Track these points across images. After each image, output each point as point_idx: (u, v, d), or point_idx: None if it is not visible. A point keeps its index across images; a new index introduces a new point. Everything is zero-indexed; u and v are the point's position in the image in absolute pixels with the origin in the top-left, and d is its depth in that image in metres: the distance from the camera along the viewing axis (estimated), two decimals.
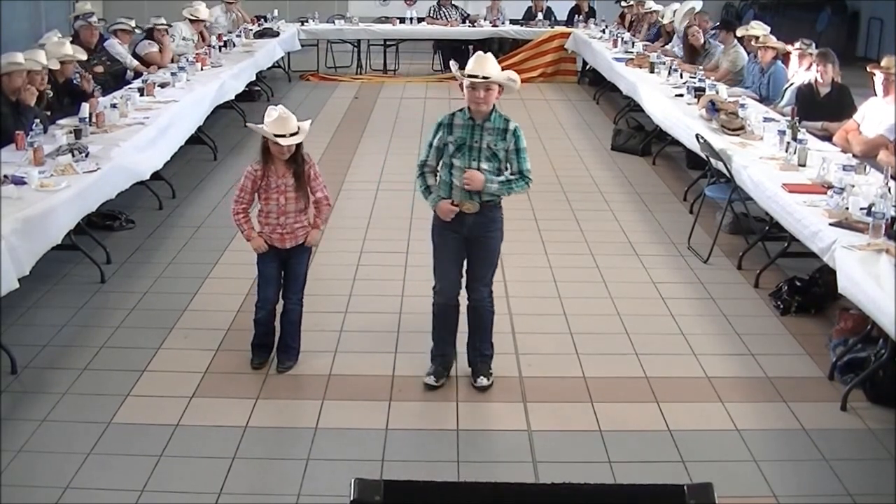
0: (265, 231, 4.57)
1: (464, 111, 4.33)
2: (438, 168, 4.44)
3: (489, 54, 4.34)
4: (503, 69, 4.39)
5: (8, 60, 6.28)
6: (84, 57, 7.63)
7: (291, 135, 4.39)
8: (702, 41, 10.29)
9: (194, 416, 4.24)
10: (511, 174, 4.34)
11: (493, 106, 4.29)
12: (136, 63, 9.44)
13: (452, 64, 4.48)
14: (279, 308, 4.72)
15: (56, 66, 7.20)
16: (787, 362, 4.88)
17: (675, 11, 11.84)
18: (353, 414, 4.31)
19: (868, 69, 6.71)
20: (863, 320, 4.63)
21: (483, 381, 4.52)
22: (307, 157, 4.58)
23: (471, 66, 4.25)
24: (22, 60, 6.32)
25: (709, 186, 6.83)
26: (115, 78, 8.87)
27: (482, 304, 4.52)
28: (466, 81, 4.22)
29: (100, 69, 8.70)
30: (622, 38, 12.27)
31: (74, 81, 7.71)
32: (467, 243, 4.41)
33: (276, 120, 4.38)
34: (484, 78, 4.18)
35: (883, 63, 6.54)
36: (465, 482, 2.92)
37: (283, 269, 4.65)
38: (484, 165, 4.27)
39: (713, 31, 10.47)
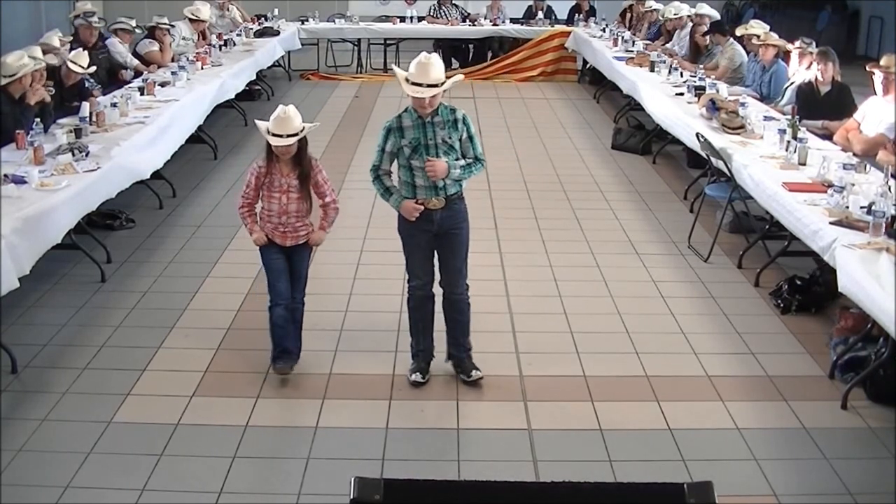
0: (267, 228, 4.57)
1: (409, 111, 4.32)
2: (392, 170, 4.44)
3: (433, 56, 4.27)
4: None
5: (18, 62, 6.26)
6: (85, 63, 7.60)
7: (290, 136, 4.38)
8: (707, 40, 10.28)
9: (195, 416, 4.25)
10: (466, 160, 4.37)
11: None
12: (136, 62, 9.44)
13: (395, 68, 4.45)
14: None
15: (53, 60, 7.18)
16: (787, 361, 4.88)
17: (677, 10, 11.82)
18: (353, 413, 4.31)
19: (868, 68, 6.70)
20: (863, 319, 4.63)
21: (478, 373, 4.54)
22: (315, 163, 4.57)
23: (414, 73, 4.18)
24: (27, 61, 6.30)
25: (709, 185, 6.83)
26: (109, 74, 8.89)
27: (461, 297, 4.53)
28: (412, 92, 4.18)
29: (125, 75, 8.78)
30: (622, 37, 12.25)
31: (87, 85, 7.69)
32: (437, 239, 4.43)
33: (276, 119, 4.38)
34: (429, 86, 4.16)
35: (882, 62, 6.53)
36: (466, 481, 2.92)
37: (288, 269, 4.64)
38: (443, 159, 4.28)
39: (705, 33, 10.44)
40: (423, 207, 4.34)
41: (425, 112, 4.26)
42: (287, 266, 4.62)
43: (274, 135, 4.37)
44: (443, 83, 4.21)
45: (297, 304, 4.67)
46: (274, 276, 4.60)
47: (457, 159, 4.33)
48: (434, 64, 4.23)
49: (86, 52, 7.56)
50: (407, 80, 4.22)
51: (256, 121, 4.64)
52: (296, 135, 4.40)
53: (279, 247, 4.58)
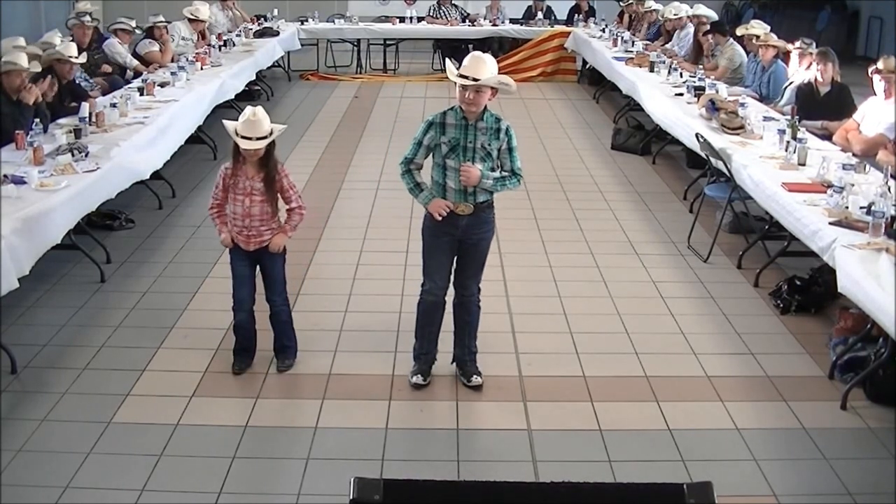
0: (232, 231, 4.52)
1: (455, 110, 4.27)
2: (425, 167, 4.40)
3: (487, 55, 4.28)
4: (503, 69, 4.35)
5: (10, 57, 6.26)
6: (75, 53, 7.57)
7: (259, 139, 4.33)
8: (708, 40, 10.28)
9: (194, 416, 4.24)
10: (503, 172, 4.34)
11: (485, 105, 4.26)
12: (136, 63, 9.44)
13: (448, 62, 4.44)
14: (267, 311, 4.69)
15: (38, 50, 7.18)
16: (786, 361, 4.88)
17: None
18: (352, 413, 4.31)
19: (869, 73, 6.67)
20: (863, 319, 4.63)
21: (478, 379, 4.53)
22: (281, 167, 4.52)
23: (465, 64, 4.20)
24: (19, 60, 6.30)
25: (709, 185, 6.83)
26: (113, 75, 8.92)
27: (472, 299, 4.52)
28: (457, 81, 4.19)
29: (108, 69, 8.76)
30: (622, 38, 12.27)
31: (77, 82, 7.70)
32: (460, 244, 4.39)
33: (246, 122, 4.32)
34: (474, 80, 4.14)
35: (881, 65, 6.51)
36: (465, 481, 2.92)
37: (261, 272, 4.61)
38: (479, 166, 4.24)
39: (705, 32, 10.45)
40: (450, 209, 4.28)
41: (470, 110, 4.20)
42: (252, 273, 4.59)
43: (243, 137, 4.32)
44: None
45: (281, 306, 4.66)
46: (236, 281, 4.58)
47: (492, 169, 4.29)
48: (486, 60, 4.21)
49: (74, 44, 7.56)
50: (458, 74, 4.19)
51: (224, 121, 4.56)
52: (265, 137, 4.35)
53: (246, 252, 4.54)
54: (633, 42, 12.11)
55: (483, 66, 4.17)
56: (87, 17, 9.06)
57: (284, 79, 13.86)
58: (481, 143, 4.24)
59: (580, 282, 5.98)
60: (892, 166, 5.39)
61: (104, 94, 8.09)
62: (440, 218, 4.28)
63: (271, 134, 4.39)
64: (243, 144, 4.33)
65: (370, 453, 3.97)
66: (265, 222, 4.49)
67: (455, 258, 4.45)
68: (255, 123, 4.33)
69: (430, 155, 4.34)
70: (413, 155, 4.34)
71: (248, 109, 4.38)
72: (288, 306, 4.70)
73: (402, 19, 14.48)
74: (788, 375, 4.71)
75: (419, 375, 4.53)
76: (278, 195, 4.52)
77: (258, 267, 4.61)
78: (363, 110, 11.63)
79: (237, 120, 4.45)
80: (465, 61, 4.21)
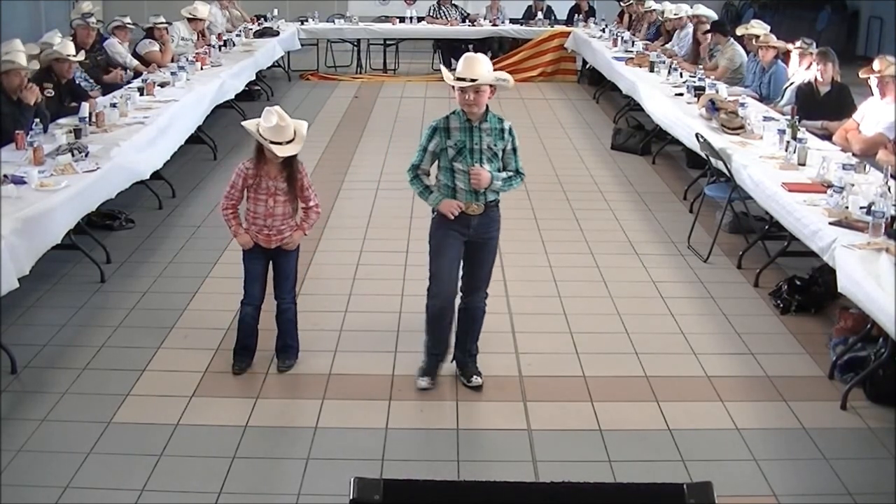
0: (251, 230, 4.53)
1: (458, 113, 4.28)
2: (433, 172, 4.41)
3: (479, 55, 4.31)
4: (503, 69, 4.36)
5: (7, 58, 6.27)
6: (73, 51, 7.56)
7: (288, 142, 4.34)
8: (707, 39, 10.29)
9: (194, 416, 4.24)
10: (508, 172, 4.36)
11: (487, 106, 4.27)
12: (136, 62, 9.44)
13: (442, 67, 4.45)
14: (271, 311, 4.69)
15: (35, 50, 7.17)
16: (786, 361, 4.88)
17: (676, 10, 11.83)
18: (352, 413, 4.31)
19: (861, 74, 6.65)
20: (863, 319, 4.63)
21: (478, 379, 4.52)
22: (301, 165, 4.53)
23: (459, 68, 4.21)
24: (18, 59, 6.30)
25: (709, 185, 6.83)
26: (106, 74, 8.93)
27: (479, 305, 4.52)
28: (456, 84, 4.19)
29: (116, 74, 8.79)
30: (622, 38, 12.27)
31: (77, 82, 7.70)
32: (469, 246, 4.39)
33: (274, 128, 4.30)
34: (472, 81, 4.15)
35: (874, 66, 6.50)
36: (465, 481, 2.93)
37: (273, 269, 4.63)
38: (486, 167, 4.26)
39: (705, 32, 10.46)
40: (461, 207, 4.28)
41: (472, 111, 4.22)
42: (265, 271, 4.61)
43: (273, 142, 4.31)
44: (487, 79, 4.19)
45: (288, 304, 4.66)
46: (250, 278, 4.60)
47: (498, 169, 4.31)
48: (479, 59, 4.24)
49: (71, 43, 7.56)
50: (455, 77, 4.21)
51: (244, 123, 4.49)
52: (293, 139, 4.34)
53: (263, 249, 4.55)
54: (633, 42, 12.12)
55: (478, 65, 4.20)
56: (92, 19, 9.07)
57: (284, 79, 13.86)
58: (487, 143, 4.26)
59: (580, 282, 5.98)
60: (892, 166, 5.39)
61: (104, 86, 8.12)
62: (452, 217, 4.29)
63: (297, 133, 4.37)
64: (279, 152, 4.31)
65: (370, 453, 3.97)
66: (286, 221, 4.53)
67: (463, 261, 4.43)
68: (284, 129, 4.32)
69: (437, 159, 4.35)
70: (419, 161, 4.36)
71: (271, 114, 4.32)
72: (295, 305, 4.70)
73: (402, 19, 14.49)
74: (788, 375, 4.71)
75: (427, 378, 4.51)
76: (300, 196, 4.54)
77: (271, 264, 4.62)
78: (363, 110, 11.63)
79: (245, 121, 4.45)
80: (460, 64, 4.23)
